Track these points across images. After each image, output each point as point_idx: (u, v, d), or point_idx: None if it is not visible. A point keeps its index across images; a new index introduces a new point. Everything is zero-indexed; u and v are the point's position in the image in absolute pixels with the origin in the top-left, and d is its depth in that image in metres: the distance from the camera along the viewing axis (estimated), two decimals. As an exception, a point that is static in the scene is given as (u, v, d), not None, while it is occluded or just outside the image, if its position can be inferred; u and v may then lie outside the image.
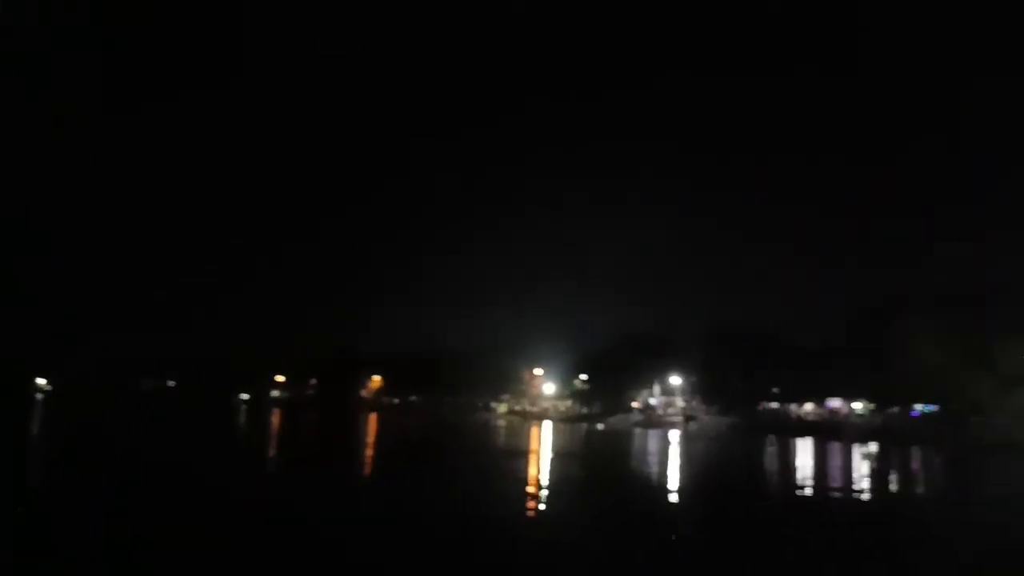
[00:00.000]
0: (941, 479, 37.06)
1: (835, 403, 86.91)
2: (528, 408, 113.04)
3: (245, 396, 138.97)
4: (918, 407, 77.07)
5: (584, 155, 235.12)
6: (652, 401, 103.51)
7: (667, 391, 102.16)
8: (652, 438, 62.48)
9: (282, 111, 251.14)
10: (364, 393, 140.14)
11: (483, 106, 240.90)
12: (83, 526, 14.51)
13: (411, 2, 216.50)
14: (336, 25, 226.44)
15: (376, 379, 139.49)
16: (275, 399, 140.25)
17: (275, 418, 77.68)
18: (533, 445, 48.69)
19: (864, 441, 62.91)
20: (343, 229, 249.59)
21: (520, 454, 40.13)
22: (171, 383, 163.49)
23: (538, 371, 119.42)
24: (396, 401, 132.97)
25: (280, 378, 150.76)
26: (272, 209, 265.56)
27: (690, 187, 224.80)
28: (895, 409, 78.86)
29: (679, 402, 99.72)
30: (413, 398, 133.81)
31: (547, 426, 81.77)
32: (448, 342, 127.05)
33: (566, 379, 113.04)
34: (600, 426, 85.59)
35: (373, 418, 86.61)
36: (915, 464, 43.14)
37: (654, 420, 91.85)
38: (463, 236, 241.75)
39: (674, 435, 70.40)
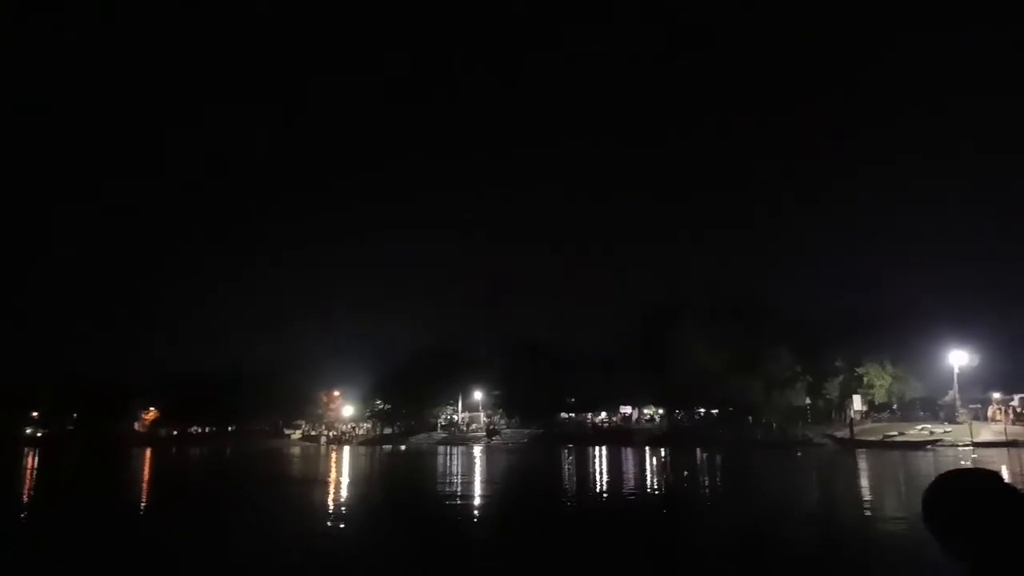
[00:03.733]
0: (717, 476, 38.85)
1: (627, 409, 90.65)
2: (325, 432, 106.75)
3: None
4: (700, 410, 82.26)
5: (381, 176, 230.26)
6: (455, 417, 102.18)
7: (470, 406, 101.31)
8: (455, 455, 60.77)
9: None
10: (137, 426, 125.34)
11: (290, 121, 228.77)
12: None
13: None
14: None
15: (151, 410, 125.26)
16: (28, 437, 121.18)
17: (17, 459, 65.96)
18: (326, 472, 44.90)
19: (653, 445, 65.56)
20: (119, 245, 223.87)
21: (311, 482, 36.36)
22: None
23: (336, 393, 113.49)
24: (175, 432, 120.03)
25: (35, 413, 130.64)
26: (35, 218, 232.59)
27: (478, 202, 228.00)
28: (680, 413, 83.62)
29: (482, 417, 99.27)
30: (194, 428, 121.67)
31: (346, 451, 77.26)
32: (236, 366, 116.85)
33: (366, 400, 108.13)
34: (403, 447, 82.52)
35: (146, 453, 76.86)
36: (695, 464, 45.07)
37: (458, 436, 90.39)
38: (251, 257, 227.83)
39: (477, 450, 69.39)
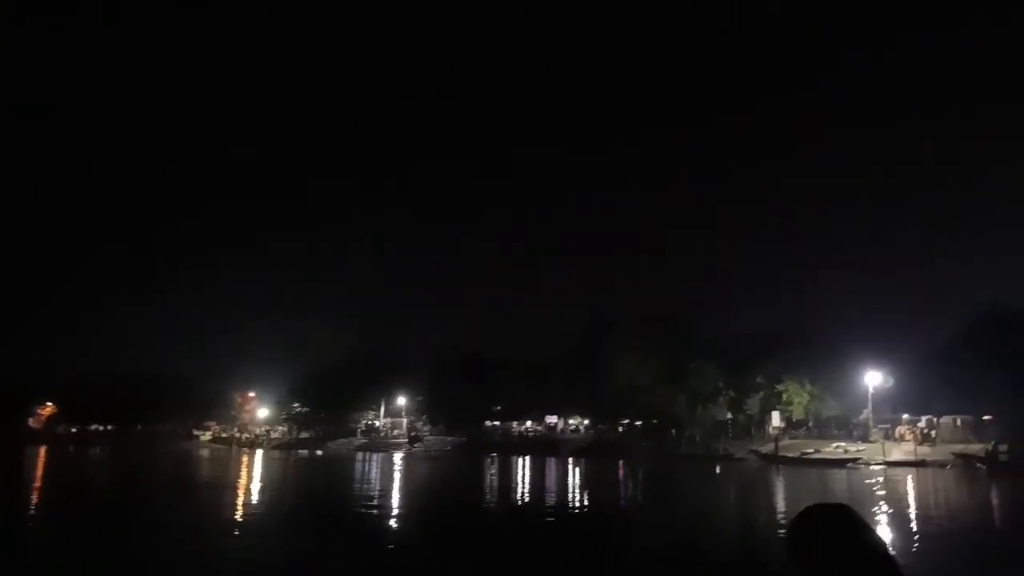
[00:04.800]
0: (637, 488, 38.46)
1: (553, 419, 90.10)
2: (237, 435, 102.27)
3: None
4: (625, 421, 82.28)
5: (307, 184, 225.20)
6: (377, 423, 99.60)
7: (393, 412, 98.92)
8: (373, 461, 58.77)
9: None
10: (33, 423, 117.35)
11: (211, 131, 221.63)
12: None
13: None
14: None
15: (48, 406, 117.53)
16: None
17: None
18: (234, 477, 42.36)
19: (579, 456, 64.95)
20: (28, 241, 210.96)
21: (216, 488, 34.04)
22: None
23: (251, 394, 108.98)
24: (73, 430, 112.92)
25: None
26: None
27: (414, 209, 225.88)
28: (605, 424, 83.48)
29: (405, 423, 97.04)
30: (96, 426, 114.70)
31: (258, 455, 73.87)
32: (146, 366, 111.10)
33: (283, 402, 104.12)
34: (319, 452, 79.63)
35: (40, 452, 71.71)
36: (617, 475, 44.70)
37: (378, 442, 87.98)
38: (170, 252, 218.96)
39: (397, 457, 67.48)
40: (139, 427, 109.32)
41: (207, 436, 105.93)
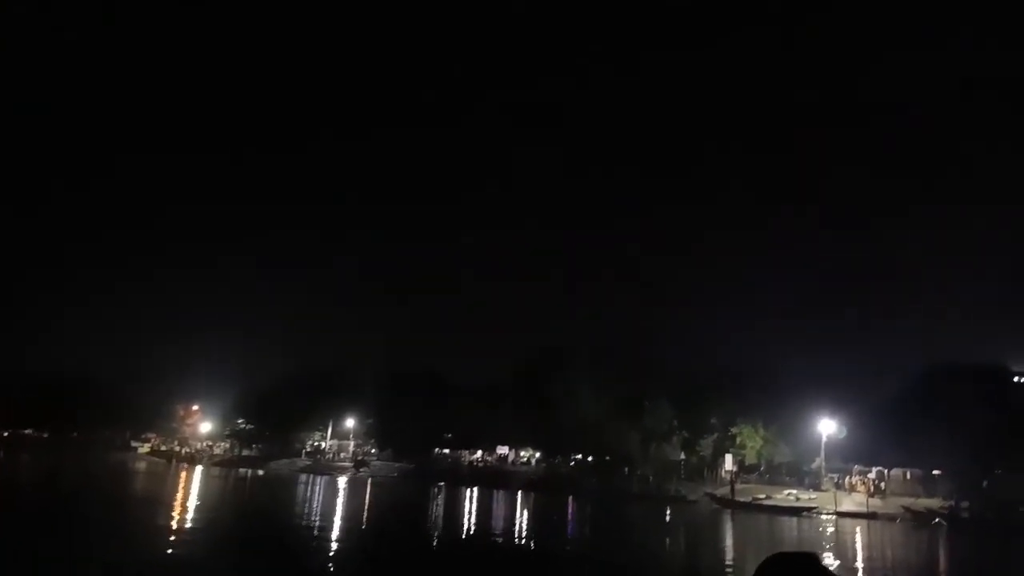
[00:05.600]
0: (585, 526, 37.32)
1: (504, 450, 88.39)
2: (177, 449, 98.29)
3: None
4: (577, 456, 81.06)
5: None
6: (323, 444, 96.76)
7: (340, 434, 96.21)
8: (316, 485, 56.60)
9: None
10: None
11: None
12: None
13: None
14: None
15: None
16: None
17: None
18: (169, 494, 40.23)
19: (528, 490, 63.59)
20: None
21: (147, 504, 32.15)
22: None
23: (194, 408, 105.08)
24: (6, 434, 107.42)
25: None
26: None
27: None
28: (557, 458, 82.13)
29: (351, 446, 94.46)
30: (30, 431, 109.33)
31: (197, 471, 70.91)
32: (87, 370, 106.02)
33: (227, 418, 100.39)
34: (260, 471, 76.71)
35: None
36: (566, 514, 43.61)
37: (323, 465, 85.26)
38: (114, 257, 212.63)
39: (342, 481, 65.32)
40: (75, 434, 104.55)
41: (145, 448, 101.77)
